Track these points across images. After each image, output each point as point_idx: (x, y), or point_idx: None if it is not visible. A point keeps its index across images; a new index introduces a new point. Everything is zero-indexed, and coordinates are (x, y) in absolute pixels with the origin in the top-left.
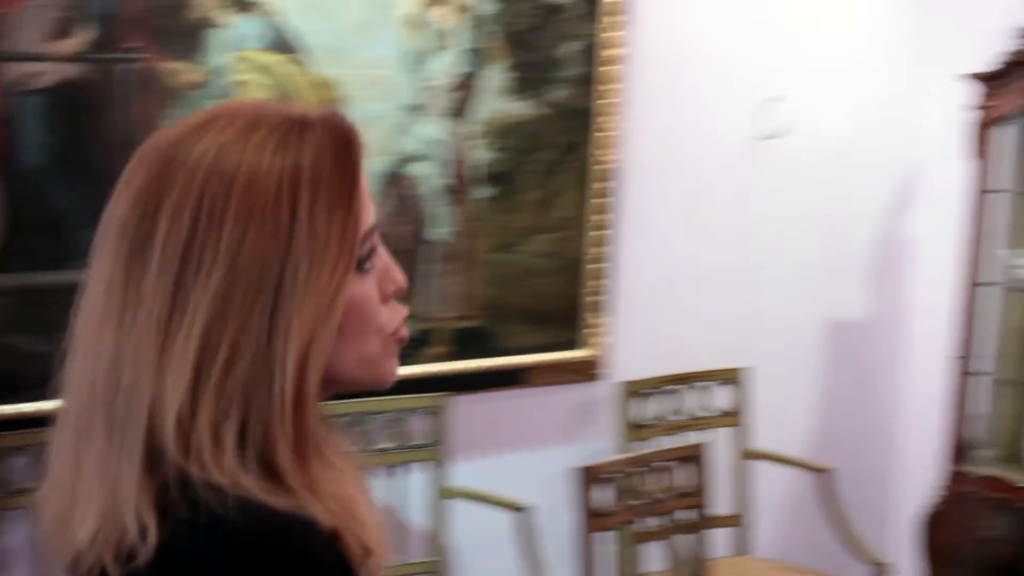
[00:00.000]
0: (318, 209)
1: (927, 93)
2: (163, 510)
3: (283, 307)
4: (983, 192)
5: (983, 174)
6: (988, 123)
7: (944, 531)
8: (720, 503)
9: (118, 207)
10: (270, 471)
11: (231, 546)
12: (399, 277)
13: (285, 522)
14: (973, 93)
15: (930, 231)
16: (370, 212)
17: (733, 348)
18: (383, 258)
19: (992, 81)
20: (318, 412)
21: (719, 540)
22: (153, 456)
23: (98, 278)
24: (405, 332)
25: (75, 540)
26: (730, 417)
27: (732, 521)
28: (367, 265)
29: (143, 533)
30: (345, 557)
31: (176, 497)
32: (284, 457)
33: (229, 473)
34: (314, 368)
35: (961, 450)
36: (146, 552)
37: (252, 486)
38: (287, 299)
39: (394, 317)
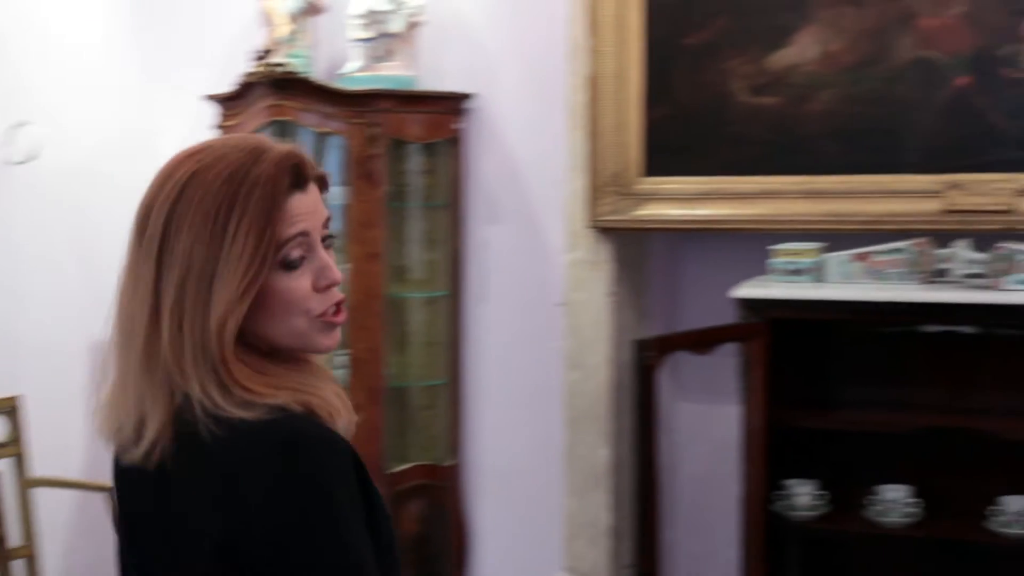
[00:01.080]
0: (242, 227)
1: (169, 113)
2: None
3: (214, 291)
4: None
5: None
6: None
7: None
8: (11, 535)
9: (139, 205)
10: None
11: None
12: (331, 274)
13: (291, 423)
14: (214, 113)
15: None
16: (301, 225)
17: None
18: (320, 258)
19: (231, 101)
20: (261, 354)
21: (17, 573)
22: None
23: (126, 255)
24: (339, 316)
25: (139, 440)
26: (7, 447)
27: (22, 552)
28: (295, 264)
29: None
30: (325, 424)
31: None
32: (238, 376)
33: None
34: (229, 330)
35: None
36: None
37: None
38: (216, 286)
39: (324, 303)
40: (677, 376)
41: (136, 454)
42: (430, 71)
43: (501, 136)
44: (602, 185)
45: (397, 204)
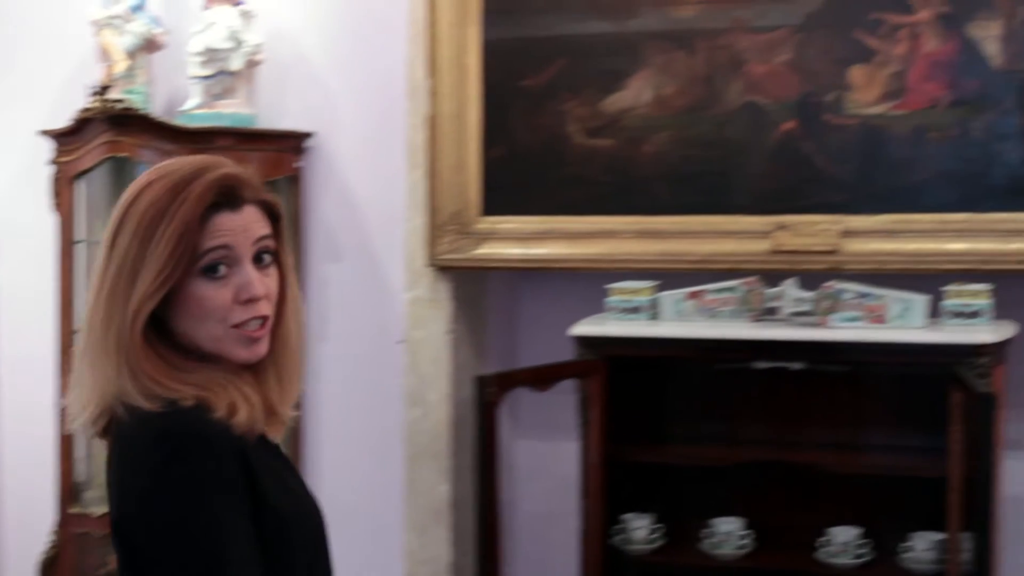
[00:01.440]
0: (167, 233)
1: (3, 149)
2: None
3: (135, 285)
4: (69, 243)
5: (67, 226)
6: (67, 177)
7: (62, 573)
8: None
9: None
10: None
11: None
12: (251, 288)
13: (173, 417)
14: (51, 148)
15: (19, 283)
16: (222, 239)
17: None
18: (244, 273)
19: (67, 137)
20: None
21: None
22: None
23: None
24: (251, 330)
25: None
26: None
27: None
28: (216, 274)
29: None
30: (220, 423)
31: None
32: (146, 366)
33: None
34: (140, 320)
35: (70, 493)
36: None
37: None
38: (137, 281)
39: (242, 315)
40: (516, 413)
41: (90, 432)
42: (270, 109)
43: (341, 175)
44: (441, 224)
45: None
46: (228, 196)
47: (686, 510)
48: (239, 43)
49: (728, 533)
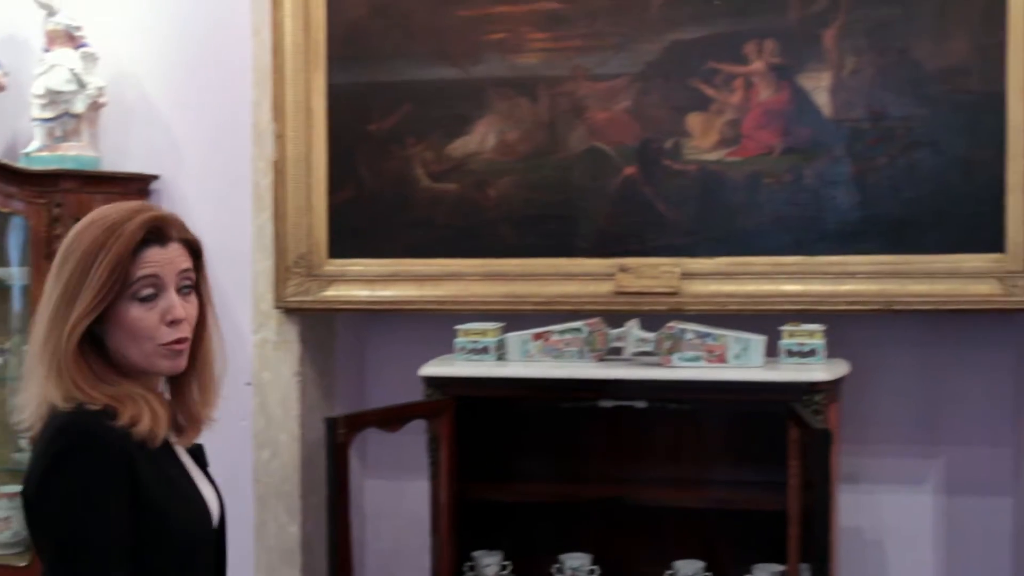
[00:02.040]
0: (103, 263)
1: None
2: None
3: (74, 307)
4: None
5: None
6: None
7: None
8: None
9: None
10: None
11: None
12: (175, 311)
13: (74, 421)
14: None
15: None
16: (151, 269)
17: None
18: (168, 299)
19: None
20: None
21: None
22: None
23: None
24: (176, 345)
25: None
26: None
27: None
28: (145, 298)
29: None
30: (116, 427)
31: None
32: (75, 375)
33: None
34: (75, 336)
35: None
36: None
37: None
38: (76, 303)
39: (169, 335)
40: (366, 453)
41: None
42: (114, 151)
43: (187, 217)
44: (289, 266)
45: None
46: (157, 234)
47: (535, 547)
48: (82, 85)
49: (576, 569)
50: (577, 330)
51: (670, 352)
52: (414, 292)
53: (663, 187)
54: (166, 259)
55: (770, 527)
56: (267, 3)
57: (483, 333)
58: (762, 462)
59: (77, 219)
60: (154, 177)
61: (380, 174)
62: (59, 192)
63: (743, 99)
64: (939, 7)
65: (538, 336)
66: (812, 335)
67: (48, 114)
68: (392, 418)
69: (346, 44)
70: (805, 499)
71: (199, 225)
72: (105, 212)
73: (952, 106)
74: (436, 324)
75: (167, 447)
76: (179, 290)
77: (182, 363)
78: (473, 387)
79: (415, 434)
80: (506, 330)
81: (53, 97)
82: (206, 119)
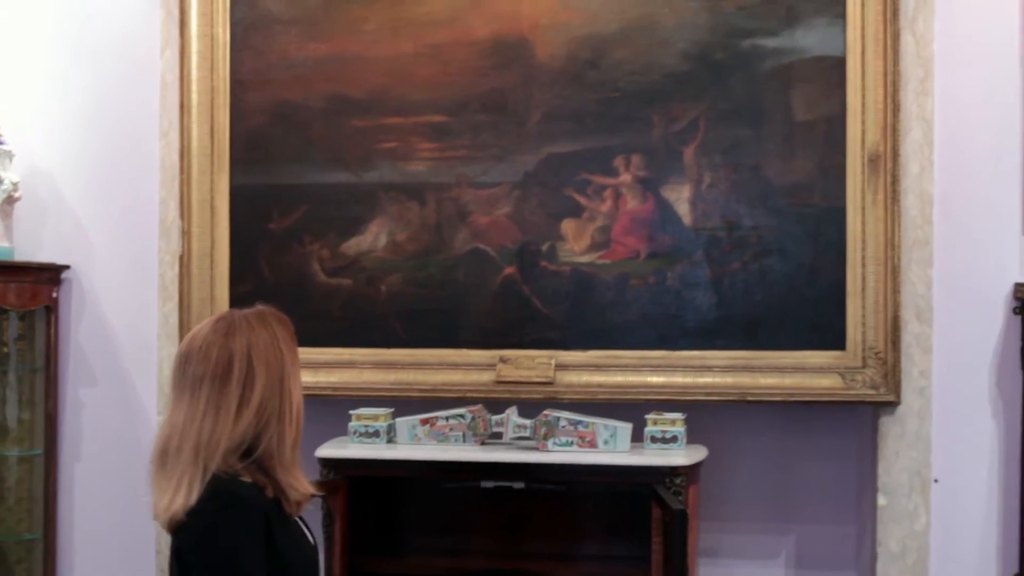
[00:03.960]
0: (288, 361)
1: None
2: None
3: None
4: None
5: None
6: None
7: None
8: None
9: (199, 363)
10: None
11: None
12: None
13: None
14: None
15: None
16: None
17: None
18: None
19: None
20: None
21: None
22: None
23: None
24: None
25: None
26: None
27: None
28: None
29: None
30: (268, 501)
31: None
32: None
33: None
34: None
35: None
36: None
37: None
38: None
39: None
40: None
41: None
42: (26, 242)
43: (96, 305)
44: None
45: None
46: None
47: None
48: None
49: None
50: (461, 416)
51: (546, 437)
52: (310, 378)
53: (540, 286)
54: None
55: None
56: (175, 108)
57: (375, 418)
58: (629, 538)
59: None
60: (65, 267)
61: (279, 269)
62: None
63: (612, 208)
64: (787, 130)
65: (425, 421)
66: (674, 423)
67: None
68: None
69: (248, 149)
70: (667, 573)
71: (107, 313)
72: (256, 323)
73: (798, 218)
74: (330, 409)
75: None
76: None
77: None
78: (365, 468)
79: (311, 511)
80: (396, 415)
81: None
82: (115, 214)
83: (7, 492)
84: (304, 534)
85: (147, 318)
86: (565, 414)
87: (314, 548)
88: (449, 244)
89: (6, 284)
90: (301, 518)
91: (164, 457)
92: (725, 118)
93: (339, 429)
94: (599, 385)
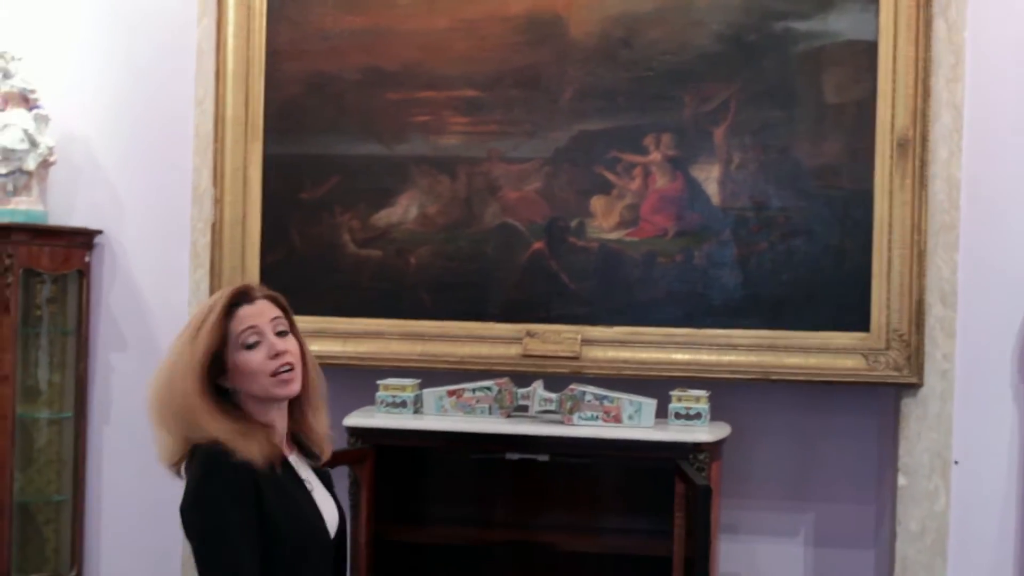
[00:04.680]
0: (203, 330)
1: None
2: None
3: (190, 364)
4: None
5: None
6: None
7: None
8: None
9: None
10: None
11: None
12: (275, 346)
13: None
14: None
15: None
16: (249, 322)
17: None
18: (269, 340)
19: None
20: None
21: None
22: None
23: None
24: (284, 375)
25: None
26: None
27: None
28: (251, 345)
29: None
30: (234, 457)
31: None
32: (203, 418)
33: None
34: (190, 380)
35: None
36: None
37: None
38: (193, 361)
39: (274, 365)
40: None
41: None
42: (61, 207)
43: (127, 271)
44: None
45: (28, 330)
46: (244, 296)
47: None
48: (34, 144)
49: None
50: (487, 388)
51: (571, 411)
52: (338, 348)
53: (568, 262)
54: (257, 312)
55: (657, 571)
56: (211, 77)
57: (402, 388)
58: (651, 513)
59: (26, 268)
60: (98, 232)
61: (310, 239)
62: (10, 243)
63: (641, 186)
64: (817, 113)
65: (452, 393)
66: (698, 400)
67: (1, 170)
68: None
69: (282, 118)
70: (688, 547)
71: (139, 279)
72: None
73: (826, 200)
74: (358, 378)
75: (290, 470)
76: (277, 334)
77: (295, 387)
78: (392, 437)
79: (338, 479)
80: (422, 386)
81: (6, 155)
82: (149, 180)
83: (37, 454)
84: (306, 499)
85: (178, 285)
86: (591, 389)
87: (317, 512)
88: (479, 218)
89: (40, 247)
90: (327, 483)
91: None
92: (756, 100)
93: (367, 399)
94: (624, 361)
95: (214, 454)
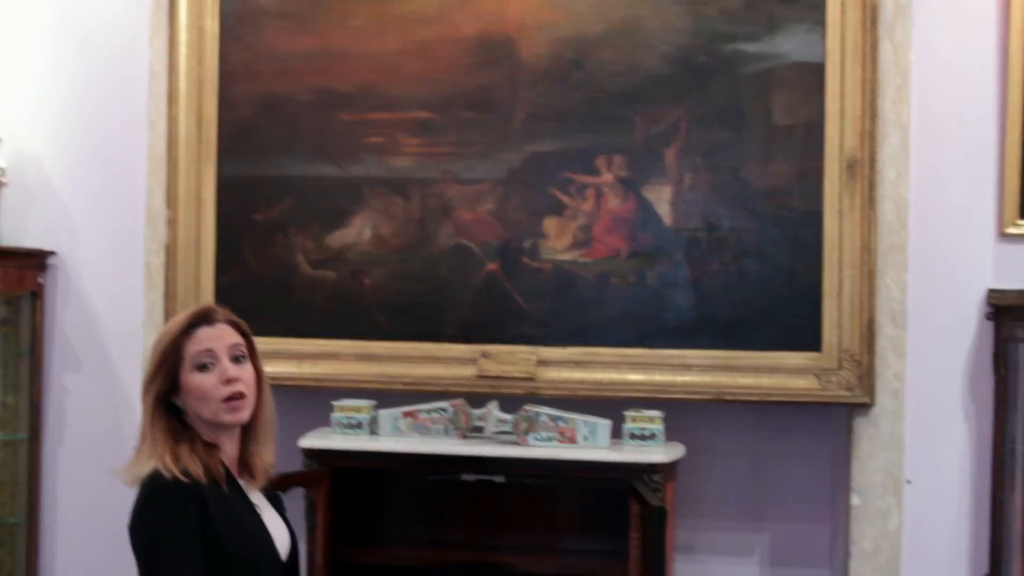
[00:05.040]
0: (160, 349)
1: None
2: None
3: (149, 385)
4: None
5: None
6: None
7: None
8: None
9: None
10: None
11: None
12: (227, 372)
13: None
14: None
15: None
16: (204, 345)
17: None
18: (221, 364)
19: None
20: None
21: None
22: None
23: None
24: (233, 403)
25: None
26: None
27: None
28: (203, 366)
29: None
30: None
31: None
32: (158, 437)
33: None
34: (148, 402)
35: None
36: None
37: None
38: (151, 382)
39: (224, 392)
40: None
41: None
42: (13, 228)
43: (82, 291)
44: None
45: None
46: (204, 318)
47: None
48: None
49: None
50: (443, 410)
51: (526, 432)
52: (293, 369)
53: (522, 282)
54: (216, 335)
55: None
56: (163, 98)
57: (357, 409)
58: (607, 533)
59: None
60: (51, 253)
61: (264, 260)
62: None
63: (594, 207)
64: (766, 134)
65: (407, 414)
66: (652, 420)
67: None
68: (273, 486)
69: (236, 140)
70: (645, 568)
71: (92, 300)
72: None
73: (776, 221)
74: (313, 399)
75: (239, 492)
76: (233, 359)
77: (244, 415)
78: (348, 459)
79: (293, 500)
80: (378, 407)
81: None
82: (102, 201)
83: None
84: (255, 521)
85: (132, 306)
86: (545, 409)
87: (266, 534)
88: (433, 239)
89: None
90: (278, 506)
91: None
92: (706, 121)
93: (322, 419)
94: (579, 381)
95: (159, 473)
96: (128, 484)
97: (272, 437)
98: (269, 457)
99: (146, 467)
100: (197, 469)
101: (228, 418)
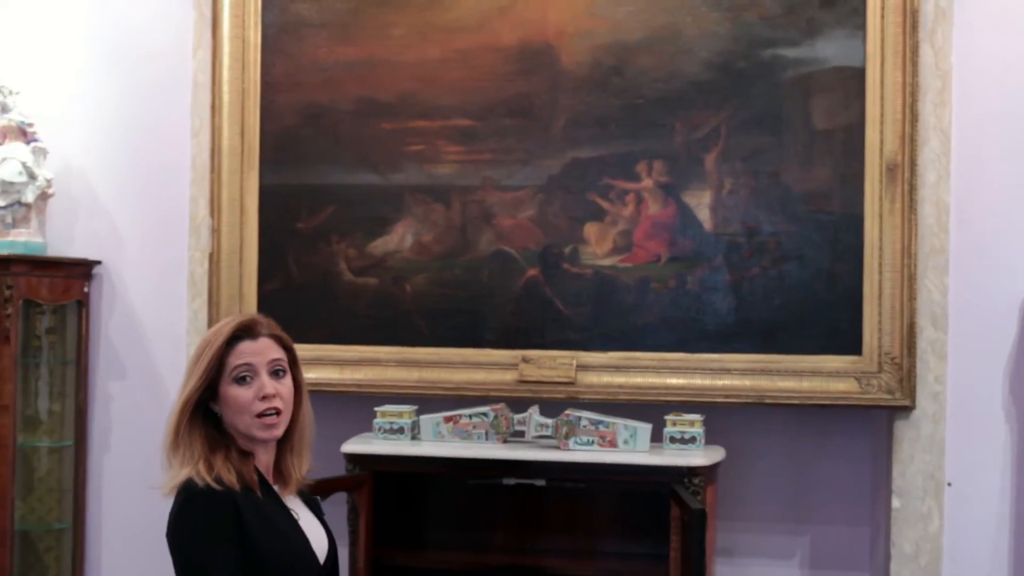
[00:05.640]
0: (202, 359)
1: None
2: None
3: (184, 390)
4: None
5: None
6: None
7: None
8: None
9: None
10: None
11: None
12: (265, 388)
13: (190, 484)
14: None
15: None
16: (245, 359)
17: None
18: (260, 380)
19: None
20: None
21: None
22: None
23: None
24: (268, 419)
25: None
26: None
27: None
28: (241, 379)
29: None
30: (214, 484)
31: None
32: (194, 445)
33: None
34: (182, 412)
35: None
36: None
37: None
38: (185, 387)
39: (260, 407)
40: None
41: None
42: (59, 238)
43: (126, 300)
44: None
45: (28, 360)
46: (247, 331)
47: None
48: (32, 177)
49: None
50: (484, 414)
51: (567, 437)
52: (336, 375)
53: (562, 288)
54: (257, 349)
55: None
56: (207, 108)
57: (399, 415)
58: (648, 536)
59: (26, 299)
60: (96, 262)
61: (307, 267)
62: (9, 275)
63: (634, 212)
64: (806, 138)
65: (449, 419)
66: (692, 424)
67: (0, 203)
68: (316, 490)
69: (278, 149)
70: (685, 571)
71: (137, 308)
72: (219, 322)
73: (817, 225)
74: (356, 405)
75: (274, 497)
76: (272, 374)
77: (277, 432)
78: (390, 464)
79: (336, 504)
80: (419, 412)
81: (5, 187)
82: (146, 211)
83: (38, 482)
84: (291, 525)
85: (176, 314)
86: (586, 414)
87: (303, 538)
88: (474, 245)
89: (39, 278)
90: (316, 511)
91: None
92: (746, 126)
93: (364, 425)
94: (619, 386)
95: (192, 481)
96: (165, 494)
97: (309, 448)
98: (304, 467)
99: (181, 475)
100: (230, 476)
101: (261, 434)
